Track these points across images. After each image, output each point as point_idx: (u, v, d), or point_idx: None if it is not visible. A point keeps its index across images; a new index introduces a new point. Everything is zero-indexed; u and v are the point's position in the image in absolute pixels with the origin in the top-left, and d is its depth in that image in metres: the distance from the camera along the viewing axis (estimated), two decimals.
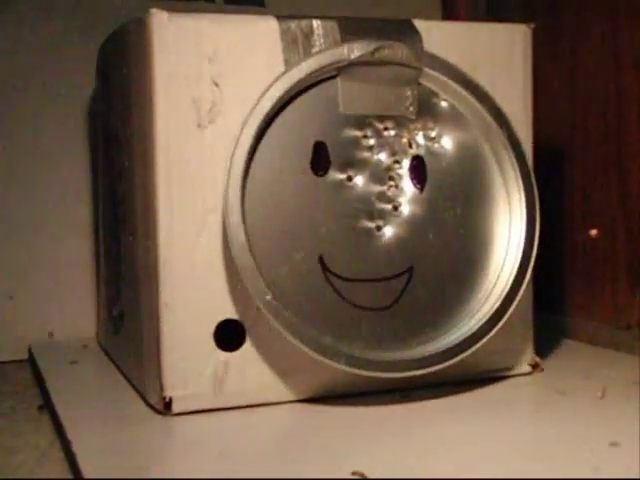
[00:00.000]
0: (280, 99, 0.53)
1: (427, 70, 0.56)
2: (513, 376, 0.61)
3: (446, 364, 0.55)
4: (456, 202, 0.57)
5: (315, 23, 0.55)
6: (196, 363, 0.53)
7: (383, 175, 0.56)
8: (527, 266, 0.57)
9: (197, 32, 0.53)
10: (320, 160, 0.55)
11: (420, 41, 0.56)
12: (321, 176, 0.55)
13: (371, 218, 0.56)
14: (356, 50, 0.54)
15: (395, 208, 0.56)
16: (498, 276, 0.57)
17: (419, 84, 0.57)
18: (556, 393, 0.57)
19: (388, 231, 0.56)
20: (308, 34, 0.54)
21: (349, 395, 0.56)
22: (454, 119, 0.57)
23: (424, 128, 0.57)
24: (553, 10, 0.75)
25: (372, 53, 0.55)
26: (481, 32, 0.59)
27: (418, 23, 0.57)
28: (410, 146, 0.57)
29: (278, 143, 0.54)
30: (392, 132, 0.56)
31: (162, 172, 0.52)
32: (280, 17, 0.54)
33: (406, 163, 0.57)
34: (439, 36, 0.57)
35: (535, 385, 0.60)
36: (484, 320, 0.56)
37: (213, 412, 0.54)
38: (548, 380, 0.60)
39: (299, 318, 0.53)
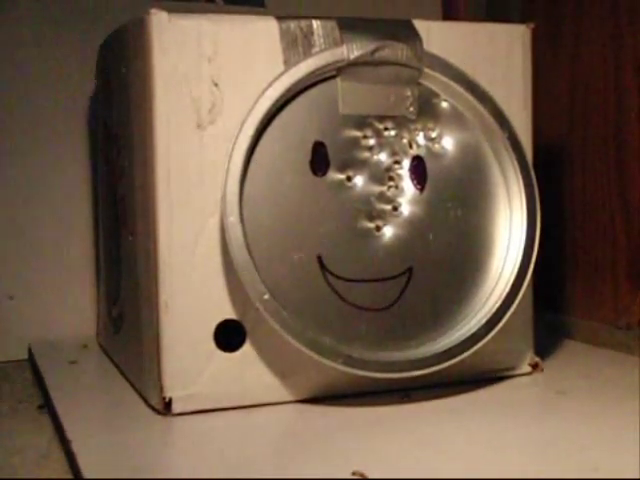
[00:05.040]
0: (279, 99, 0.53)
1: (427, 70, 0.56)
2: (513, 376, 0.61)
3: (446, 364, 0.55)
4: (456, 202, 0.57)
5: (315, 23, 0.55)
6: (196, 363, 0.53)
7: (383, 175, 0.56)
8: (527, 266, 0.57)
9: (197, 32, 0.53)
10: (319, 160, 0.55)
11: (420, 41, 0.56)
12: (320, 176, 0.55)
13: (371, 218, 0.56)
14: (356, 50, 0.54)
15: (395, 208, 0.56)
16: (498, 276, 0.57)
17: (419, 84, 0.57)
18: (556, 393, 0.57)
19: (388, 231, 0.56)
20: (308, 34, 0.54)
21: (349, 395, 0.56)
22: (455, 119, 0.57)
23: (424, 128, 0.57)
24: (553, 10, 0.75)
25: (372, 53, 0.55)
26: (481, 32, 0.59)
27: (418, 23, 0.57)
28: (410, 146, 0.57)
29: (278, 143, 0.54)
30: (392, 132, 0.56)
31: (162, 172, 0.52)
32: (280, 17, 0.54)
33: (406, 163, 0.57)
34: (439, 36, 0.57)
35: (535, 385, 0.60)
36: (484, 320, 0.56)
37: (213, 412, 0.54)
38: (548, 380, 0.60)
39: (297, 318, 0.53)
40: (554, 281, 0.75)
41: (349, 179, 0.55)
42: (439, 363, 0.55)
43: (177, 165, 0.53)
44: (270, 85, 0.53)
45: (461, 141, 0.58)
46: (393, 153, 0.56)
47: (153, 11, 0.52)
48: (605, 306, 0.71)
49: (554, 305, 0.75)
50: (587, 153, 0.72)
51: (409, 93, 0.56)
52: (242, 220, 0.52)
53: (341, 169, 0.55)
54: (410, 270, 0.56)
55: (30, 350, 0.71)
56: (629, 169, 0.68)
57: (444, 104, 0.57)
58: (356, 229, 0.55)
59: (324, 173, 0.55)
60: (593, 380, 0.60)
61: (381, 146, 0.56)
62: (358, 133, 0.56)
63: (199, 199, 0.53)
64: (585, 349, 0.70)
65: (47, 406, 0.58)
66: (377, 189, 0.56)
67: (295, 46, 0.54)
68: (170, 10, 0.52)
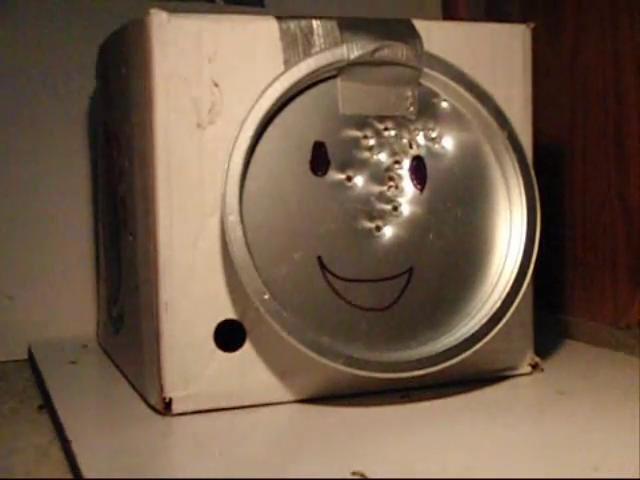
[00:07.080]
0: (279, 99, 0.53)
1: (427, 70, 0.56)
2: (513, 376, 0.61)
3: (446, 364, 0.55)
4: (456, 202, 0.57)
5: (315, 23, 0.55)
6: (196, 363, 0.53)
7: (383, 175, 0.56)
8: (527, 266, 0.57)
9: (197, 32, 0.53)
10: (320, 160, 0.55)
11: (420, 41, 0.56)
12: (320, 176, 0.55)
13: (371, 218, 0.56)
14: (356, 50, 0.54)
15: (395, 208, 0.56)
16: (498, 276, 0.57)
17: (419, 84, 0.57)
18: (556, 393, 0.57)
19: (388, 231, 0.56)
20: (308, 34, 0.54)
21: (349, 395, 0.56)
22: (455, 119, 0.57)
23: (424, 128, 0.57)
24: (553, 10, 0.75)
25: (372, 53, 0.55)
26: (481, 32, 0.59)
27: (418, 23, 0.57)
28: (410, 146, 0.57)
29: (278, 143, 0.54)
30: (392, 132, 0.56)
31: (162, 172, 0.52)
32: (280, 17, 0.54)
33: (406, 163, 0.57)
34: (439, 36, 0.57)
35: (535, 385, 0.60)
36: (484, 320, 0.56)
37: (213, 412, 0.54)
38: (548, 380, 0.60)
39: (297, 318, 0.53)
40: (554, 281, 0.75)
41: (349, 179, 0.55)
42: (439, 363, 0.55)
43: (177, 165, 0.53)
44: (270, 85, 0.53)
45: (461, 141, 0.58)
46: (393, 153, 0.56)
47: (153, 11, 0.52)
48: (605, 306, 0.71)
49: (554, 305, 0.75)
50: (587, 153, 0.72)
51: (409, 93, 0.56)
52: (242, 220, 0.52)
53: (341, 169, 0.55)
54: (410, 270, 0.56)
55: (30, 350, 0.71)
56: (629, 169, 0.68)
57: (444, 104, 0.57)
58: (356, 229, 0.55)
59: (324, 173, 0.55)
60: (593, 380, 0.60)
61: (381, 146, 0.56)
62: (358, 133, 0.56)
63: (199, 199, 0.53)
64: (585, 349, 0.70)
65: (47, 406, 0.58)
66: (377, 189, 0.56)
67: (295, 46, 0.54)
68: (170, 10, 0.52)
